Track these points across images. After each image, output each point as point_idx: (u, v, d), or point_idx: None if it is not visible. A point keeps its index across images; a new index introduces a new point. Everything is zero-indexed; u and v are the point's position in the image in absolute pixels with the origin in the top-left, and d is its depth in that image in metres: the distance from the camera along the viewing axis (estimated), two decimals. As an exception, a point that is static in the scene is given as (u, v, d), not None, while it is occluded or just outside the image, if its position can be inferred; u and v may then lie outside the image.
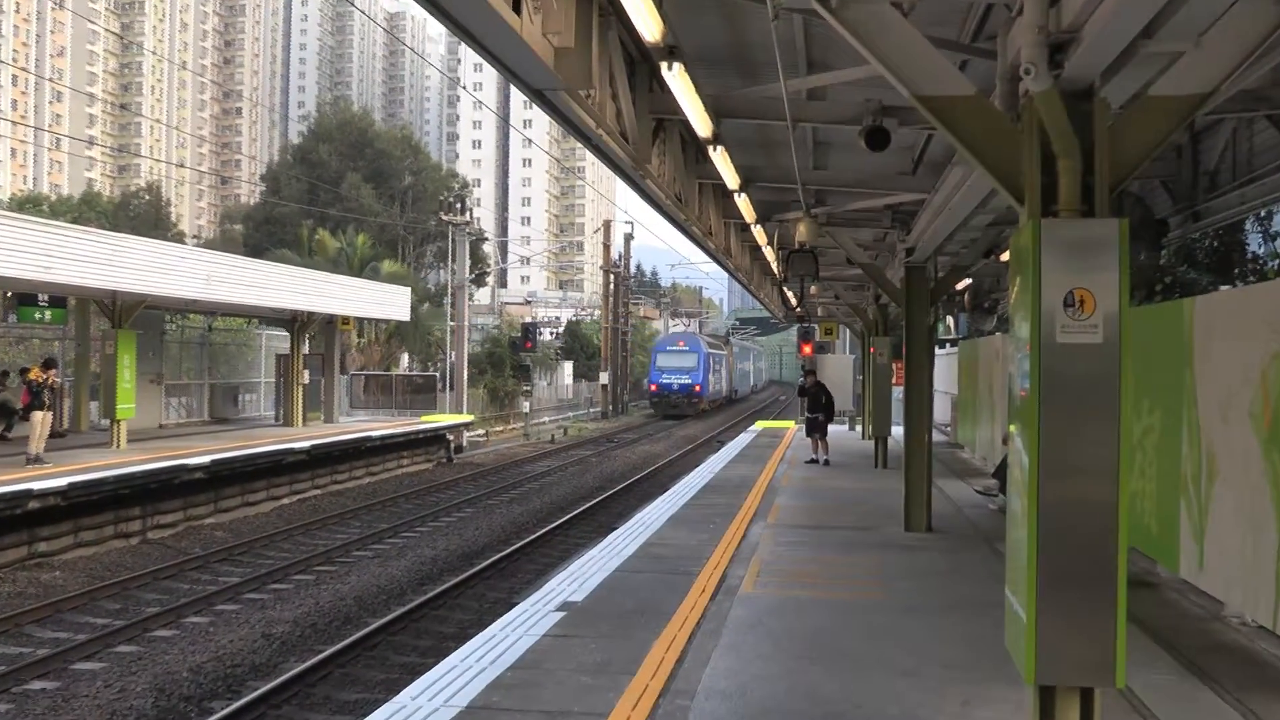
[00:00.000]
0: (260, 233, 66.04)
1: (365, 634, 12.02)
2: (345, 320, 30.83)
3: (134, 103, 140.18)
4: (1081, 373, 4.80)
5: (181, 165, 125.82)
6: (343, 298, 28.85)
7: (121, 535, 17.62)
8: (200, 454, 20.11)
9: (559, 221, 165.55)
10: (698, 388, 56.46)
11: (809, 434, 21.79)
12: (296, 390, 28.98)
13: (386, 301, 31.72)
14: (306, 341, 29.83)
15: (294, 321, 28.86)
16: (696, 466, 22.98)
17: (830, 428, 22.17)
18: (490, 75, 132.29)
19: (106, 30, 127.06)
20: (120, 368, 21.63)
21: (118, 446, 21.29)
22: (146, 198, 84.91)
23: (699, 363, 56.59)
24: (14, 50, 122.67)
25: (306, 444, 23.35)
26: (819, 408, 21.51)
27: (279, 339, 32.45)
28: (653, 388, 56.96)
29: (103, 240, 20.00)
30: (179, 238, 78.89)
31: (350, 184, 63.14)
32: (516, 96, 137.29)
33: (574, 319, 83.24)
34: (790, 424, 35.67)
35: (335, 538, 18.83)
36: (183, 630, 12.53)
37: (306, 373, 29.43)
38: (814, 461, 21.24)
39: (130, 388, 22.00)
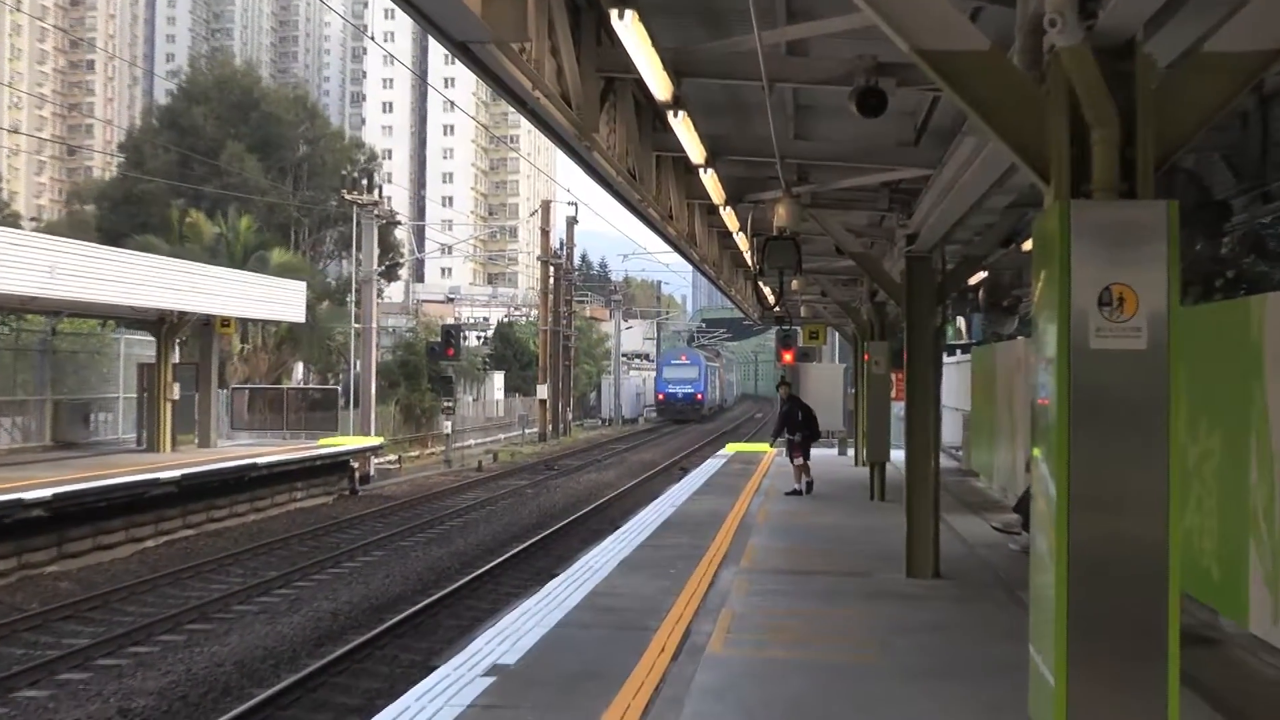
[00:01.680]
0: (118, 214, 65.25)
1: (249, 708, 11.87)
2: (225, 322, 30.58)
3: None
4: (1121, 385, 4.81)
5: (16, 131, 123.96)
6: (222, 294, 28.61)
7: (-58, 588, 17.31)
8: (40, 486, 19.81)
9: (488, 202, 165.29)
10: (700, 396, 79.09)
11: (789, 458, 22.01)
12: (164, 408, 28.72)
13: (276, 299, 31.50)
14: (177, 348, 29.54)
15: (161, 324, 28.57)
16: (654, 499, 22.99)
17: (813, 450, 22.30)
18: (405, 22, 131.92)
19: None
20: (-59, 381, 21.30)
21: (-62, 478, 20.95)
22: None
23: (700, 374, 79.36)
24: None
25: (176, 473, 23.12)
26: (795, 426, 21.68)
27: (142, 345, 32.10)
28: (660, 396, 79.43)
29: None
30: (13, 220, 77.80)
31: (231, 155, 62.51)
32: (436, 49, 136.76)
33: (506, 320, 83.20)
34: (767, 447, 35.79)
35: (212, 588, 18.65)
36: (14, 708, 12.29)
37: (177, 386, 29.17)
38: (796, 493, 21.34)
39: (-47, 405, 21.65)
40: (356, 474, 32.87)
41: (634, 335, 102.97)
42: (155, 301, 25.87)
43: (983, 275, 21.22)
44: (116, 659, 14.27)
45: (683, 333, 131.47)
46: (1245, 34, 4.90)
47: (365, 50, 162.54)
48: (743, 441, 47.57)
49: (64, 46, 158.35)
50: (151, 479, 22.35)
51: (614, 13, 7.65)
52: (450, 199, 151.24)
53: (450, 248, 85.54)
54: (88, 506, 20.50)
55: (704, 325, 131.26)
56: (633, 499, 31.56)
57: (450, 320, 69.46)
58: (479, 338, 76.44)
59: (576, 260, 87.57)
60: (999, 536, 16.13)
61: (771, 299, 26.71)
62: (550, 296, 60.82)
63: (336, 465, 31.59)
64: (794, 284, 21.86)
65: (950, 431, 28.76)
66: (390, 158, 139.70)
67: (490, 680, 8.59)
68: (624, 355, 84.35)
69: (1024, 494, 15.22)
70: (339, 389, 42.42)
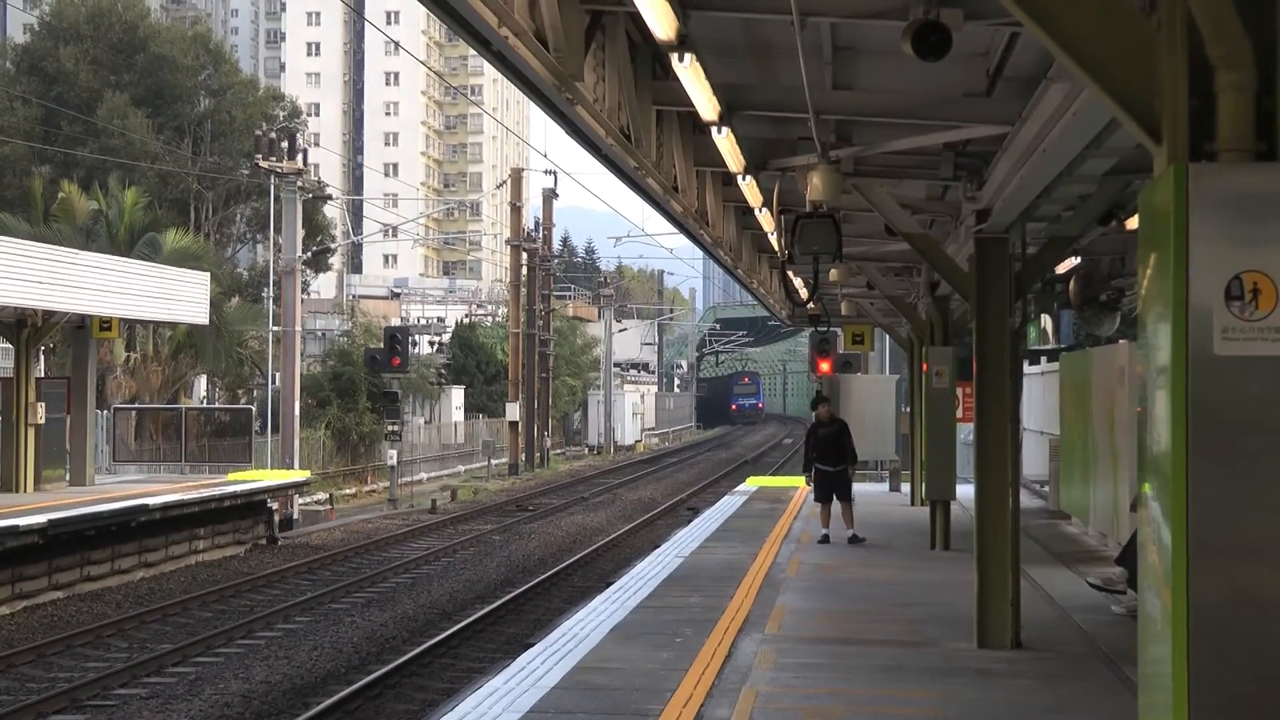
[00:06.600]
0: (-39, 186, 65.14)
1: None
2: (105, 324, 30.47)
3: None
4: (1256, 401, 4.79)
5: None
6: (101, 288, 28.46)
7: None
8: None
9: (443, 171, 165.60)
10: (760, 405, 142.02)
11: (819, 498, 21.80)
12: (24, 434, 28.58)
13: (172, 294, 31.40)
14: (42, 358, 29.38)
15: (21, 326, 28.49)
16: (655, 547, 23.00)
17: (857, 486, 22.37)
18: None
19: None
20: None
21: None
22: None
23: (759, 390, 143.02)
24: None
25: (40, 519, 22.96)
26: (840, 454, 21.56)
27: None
28: (733, 407, 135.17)
29: None
30: None
31: (111, 110, 62.36)
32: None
33: (466, 321, 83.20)
34: (799, 481, 35.81)
35: (87, 667, 18.53)
36: None
37: (42, 407, 29.04)
38: (827, 539, 21.41)
39: None
40: (276, 518, 32.74)
41: (629, 339, 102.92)
42: (13, 298, 25.60)
43: (1074, 262, 21.23)
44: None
45: (689, 337, 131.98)
46: None
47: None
48: (767, 474, 47.57)
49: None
50: (7, 527, 22.19)
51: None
52: (395, 167, 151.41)
53: (395, 229, 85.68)
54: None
55: (717, 326, 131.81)
56: (629, 548, 31.52)
57: (396, 321, 69.62)
58: (432, 343, 76.55)
59: (556, 244, 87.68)
60: (1098, 596, 16.08)
61: (804, 293, 26.70)
62: (522, 290, 60.77)
63: (250, 507, 31.43)
64: (832, 274, 21.85)
65: (1034, 461, 28.73)
66: (318, 114, 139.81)
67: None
68: (617, 365, 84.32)
69: (1129, 542, 15.18)
70: (253, 409, 42.32)
